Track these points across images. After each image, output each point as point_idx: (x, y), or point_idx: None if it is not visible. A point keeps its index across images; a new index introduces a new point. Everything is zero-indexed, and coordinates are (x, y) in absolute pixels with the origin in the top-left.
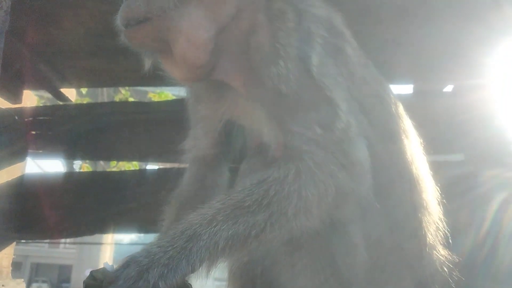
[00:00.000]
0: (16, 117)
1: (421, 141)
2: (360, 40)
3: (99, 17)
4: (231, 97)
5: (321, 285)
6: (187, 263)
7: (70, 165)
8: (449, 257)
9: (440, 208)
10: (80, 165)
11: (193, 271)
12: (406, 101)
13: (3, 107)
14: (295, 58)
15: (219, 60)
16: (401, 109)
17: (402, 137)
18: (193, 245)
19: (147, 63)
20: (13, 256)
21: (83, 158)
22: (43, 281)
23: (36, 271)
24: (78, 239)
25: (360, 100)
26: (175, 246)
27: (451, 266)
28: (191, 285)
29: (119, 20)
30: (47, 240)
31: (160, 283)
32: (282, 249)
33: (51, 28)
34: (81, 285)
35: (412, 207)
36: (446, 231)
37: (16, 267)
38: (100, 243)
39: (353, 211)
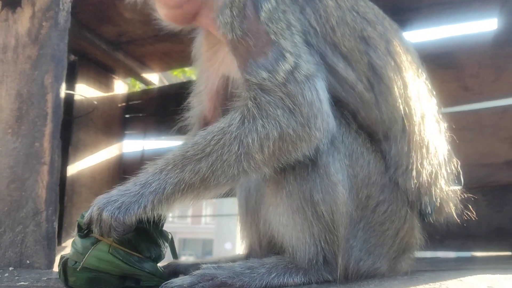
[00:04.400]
0: (95, 102)
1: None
2: None
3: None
4: (223, 51)
5: (305, 225)
6: (138, 205)
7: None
8: (456, 193)
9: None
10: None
11: (145, 212)
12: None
13: (82, 96)
14: (243, 6)
15: (200, 7)
16: (395, 46)
17: (391, 75)
18: (144, 191)
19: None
20: None
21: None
22: (190, 255)
23: (184, 245)
24: (217, 213)
25: (336, 42)
26: (130, 191)
27: (461, 202)
28: (169, 233)
29: None
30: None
31: (112, 222)
32: (267, 193)
33: (116, 20)
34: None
35: (405, 145)
36: (456, 167)
37: None
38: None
39: (313, 152)
